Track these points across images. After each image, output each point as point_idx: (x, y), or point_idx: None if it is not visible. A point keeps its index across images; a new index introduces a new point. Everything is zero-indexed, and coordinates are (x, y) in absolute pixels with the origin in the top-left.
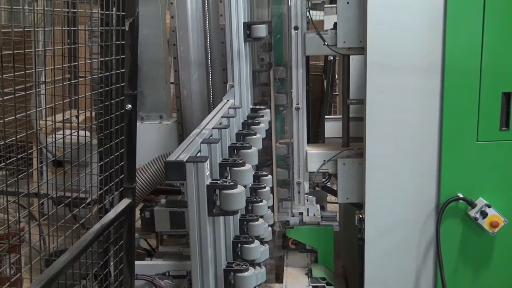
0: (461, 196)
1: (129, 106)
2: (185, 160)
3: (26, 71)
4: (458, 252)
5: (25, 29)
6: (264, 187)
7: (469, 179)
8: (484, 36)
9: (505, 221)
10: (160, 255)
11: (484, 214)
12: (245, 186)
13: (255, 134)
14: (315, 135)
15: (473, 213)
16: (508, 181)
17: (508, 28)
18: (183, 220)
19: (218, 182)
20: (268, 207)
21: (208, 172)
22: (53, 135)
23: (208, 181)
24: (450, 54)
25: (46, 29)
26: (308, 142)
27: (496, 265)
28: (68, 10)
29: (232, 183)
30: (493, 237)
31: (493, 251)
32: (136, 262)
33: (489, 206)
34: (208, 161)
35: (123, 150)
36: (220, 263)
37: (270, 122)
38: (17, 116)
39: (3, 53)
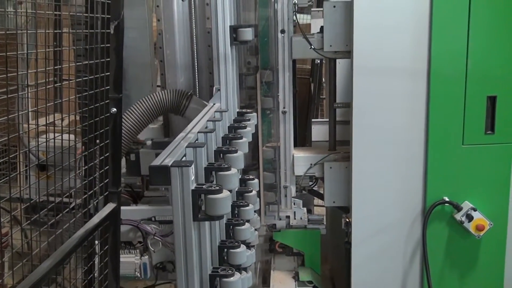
0: (447, 199)
1: (114, 109)
2: (169, 164)
3: (9, 74)
4: (444, 255)
5: (8, 32)
6: (251, 191)
7: (455, 183)
8: (469, 40)
9: (491, 224)
10: (146, 201)
11: (470, 218)
12: (231, 191)
13: (241, 138)
14: (302, 139)
15: (459, 216)
16: (493, 185)
17: (493, 32)
18: None
19: (203, 186)
20: (255, 211)
21: (193, 177)
22: (36, 139)
23: (193, 186)
24: (436, 58)
25: (29, 31)
26: (295, 145)
27: (481, 268)
28: (53, 12)
29: (218, 187)
30: (478, 240)
31: (478, 254)
32: (121, 208)
33: (474, 210)
34: (193, 166)
35: (108, 154)
36: (206, 268)
37: (256, 126)
38: None
39: None
